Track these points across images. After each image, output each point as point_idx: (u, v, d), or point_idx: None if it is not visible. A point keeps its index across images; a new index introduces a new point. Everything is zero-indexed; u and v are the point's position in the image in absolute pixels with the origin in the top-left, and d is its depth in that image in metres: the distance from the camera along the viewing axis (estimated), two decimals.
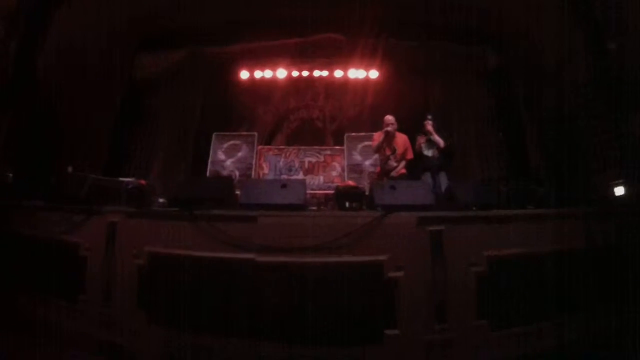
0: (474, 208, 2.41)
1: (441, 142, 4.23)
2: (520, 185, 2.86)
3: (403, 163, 4.18)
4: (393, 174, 4.09)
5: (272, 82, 6.76)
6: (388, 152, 4.15)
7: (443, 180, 4.11)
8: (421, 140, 4.31)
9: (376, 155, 4.88)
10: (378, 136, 4.19)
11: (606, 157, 4.11)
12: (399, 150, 4.13)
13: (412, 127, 4.51)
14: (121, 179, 2.88)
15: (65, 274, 2.68)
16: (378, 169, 4.68)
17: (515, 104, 4.77)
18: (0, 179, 3.34)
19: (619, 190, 3.41)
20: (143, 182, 2.57)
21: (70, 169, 3.47)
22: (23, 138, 3.72)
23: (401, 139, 4.21)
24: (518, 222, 2.43)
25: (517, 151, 4.67)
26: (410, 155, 4.22)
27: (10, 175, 3.33)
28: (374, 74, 6.51)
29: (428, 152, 4.29)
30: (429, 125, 4.29)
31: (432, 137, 4.25)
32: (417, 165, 4.29)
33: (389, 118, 4.15)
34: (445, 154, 4.27)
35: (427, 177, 4.16)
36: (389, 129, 4.04)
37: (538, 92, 4.47)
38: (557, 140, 4.12)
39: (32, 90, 3.42)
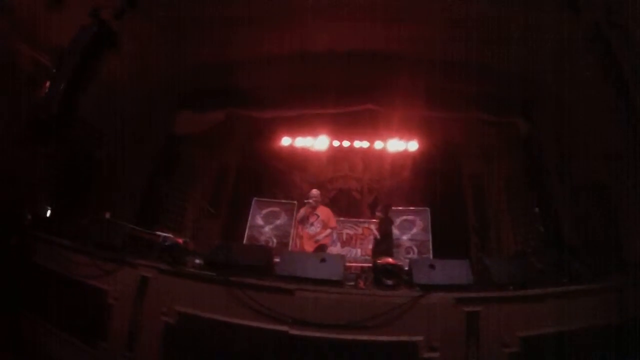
0: (511, 288, 2.33)
1: (377, 235, 4.85)
2: (555, 259, 2.77)
3: (328, 231, 4.61)
4: (318, 237, 4.47)
5: (310, 151, 6.77)
6: (313, 219, 4.58)
7: None
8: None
9: (414, 230, 5.88)
10: (304, 210, 4.68)
11: None
12: (321, 218, 4.57)
13: (444, 201, 4.84)
14: (158, 232, 2.89)
15: (88, 318, 2.65)
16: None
17: (547, 173, 4.72)
18: (38, 210, 3.37)
19: None
20: (180, 240, 2.57)
21: (108, 215, 3.51)
22: (59, 174, 3.80)
23: (323, 210, 4.68)
24: (553, 300, 2.35)
25: (551, 221, 4.58)
26: (332, 224, 4.69)
27: (49, 208, 3.37)
28: (413, 145, 6.42)
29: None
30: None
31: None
32: None
33: (314, 193, 4.65)
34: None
35: None
36: (310, 201, 4.53)
37: (570, 162, 4.42)
38: (591, 209, 4.03)
39: (72, 129, 3.53)
